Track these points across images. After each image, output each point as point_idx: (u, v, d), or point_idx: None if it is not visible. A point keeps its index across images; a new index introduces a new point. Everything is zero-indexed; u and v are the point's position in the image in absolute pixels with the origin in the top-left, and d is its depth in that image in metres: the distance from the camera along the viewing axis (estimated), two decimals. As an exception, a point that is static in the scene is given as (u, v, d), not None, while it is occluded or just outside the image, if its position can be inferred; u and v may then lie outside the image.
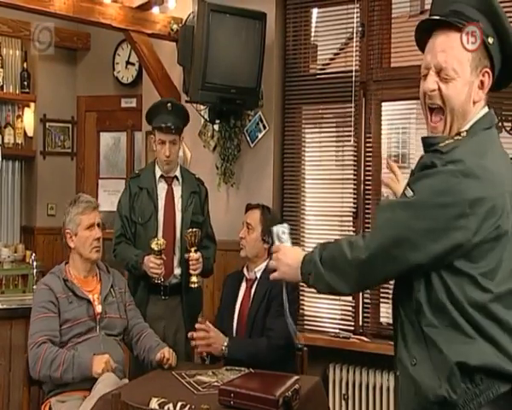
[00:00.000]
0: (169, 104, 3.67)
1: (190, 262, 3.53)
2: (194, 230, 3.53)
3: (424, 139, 1.78)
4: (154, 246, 3.44)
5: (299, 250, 1.97)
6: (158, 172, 3.71)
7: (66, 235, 3.15)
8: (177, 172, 3.74)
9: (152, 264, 3.46)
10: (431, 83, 1.75)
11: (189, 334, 3.21)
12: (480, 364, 1.63)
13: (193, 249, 3.54)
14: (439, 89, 1.74)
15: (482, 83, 1.75)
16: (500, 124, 3.76)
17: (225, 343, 3.16)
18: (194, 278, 3.55)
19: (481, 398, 1.63)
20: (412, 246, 1.65)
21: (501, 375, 1.64)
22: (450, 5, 1.78)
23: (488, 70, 1.75)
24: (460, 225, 1.61)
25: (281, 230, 2.02)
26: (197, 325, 3.21)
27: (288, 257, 1.94)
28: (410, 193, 1.68)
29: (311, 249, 1.89)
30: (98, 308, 3.08)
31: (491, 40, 1.74)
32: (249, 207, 3.56)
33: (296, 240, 4.42)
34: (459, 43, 1.75)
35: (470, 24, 1.71)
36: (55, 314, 2.98)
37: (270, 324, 3.28)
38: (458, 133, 1.72)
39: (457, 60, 1.75)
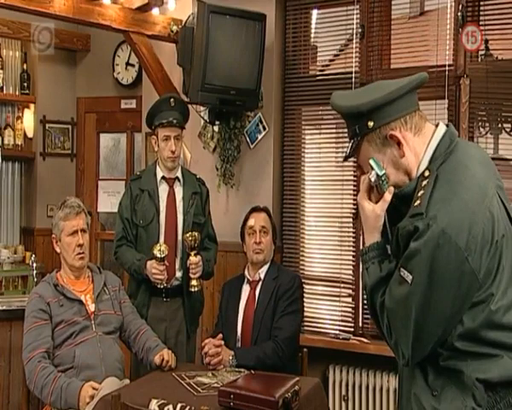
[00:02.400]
0: (172, 99, 3.67)
1: (190, 266, 3.53)
2: (193, 233, 3.52)
3: (396, 195, 1.79)
4: (156, 253, 3.44)
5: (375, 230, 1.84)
6: (159, 174, 3.70)
7: (53, 239, 3.13)
8: (179, 174, 3.74)
9: (154, 270, 3.46)
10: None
11: (203, 352, 3.17)
12: (502, 378, 1.65)
13: (192, 253, 3.53)
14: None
15: (399, 143, 1.77)
16: (500, 125, 3.76)
17: (232, 353, 3.15)
18: (193, 282, 3.55)
19: (501, 404, 1.65)
20: (441, 324, 1.65)
21: None
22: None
23: (392, 132, 1.77)
24: (465, 271, 1.62)
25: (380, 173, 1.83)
26: (212, 341, 3.16)
27: (369, 224, 1.84)
28: (408, 276, 1.66)
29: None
30: (91, 307, 3.06)
31: (370, 124, 1.78)
32: (255, 210, 3.56)
33: (296, 240, 4.42)
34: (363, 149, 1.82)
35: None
36: (47, 321, 2.96)
37: (278, 323, 3.29)
38: (422, 174, 1.74)
39: (365, 159, 1.83)
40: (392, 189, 1.80)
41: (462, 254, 1.61)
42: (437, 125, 1.82)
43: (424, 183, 1.71)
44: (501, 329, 1.66)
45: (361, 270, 1.87)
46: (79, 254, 3.07)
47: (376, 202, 1.82)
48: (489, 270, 1.65)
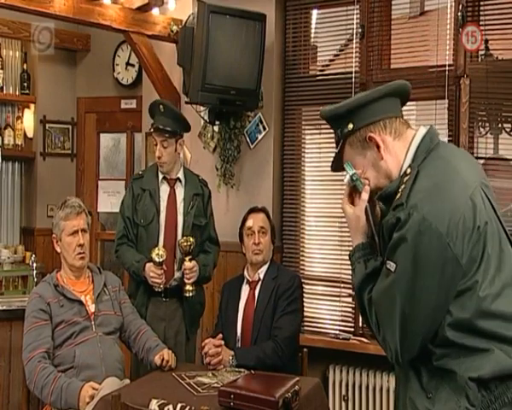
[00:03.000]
0: (161, 106, 3.68)
1: (184, 271, 3.53)
2: (188, 238, 3.53)
3: (380, 196, 1.84)
4: (154, 257, 3.44)
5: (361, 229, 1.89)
6: (160, 174, 3.71)
7: (53, 239, 3.13)
8: (180, 174, 3.74)
9: (152, 273, 3.47)
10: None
11: (203, 351, 3.17)
12: (494, 373, 1.64)
13: (187, 258, 3.53)
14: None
15: (378, 146, 1.82)
16: (500, 125, 3.76)
17: (232, 353, 3.15)
18: (188, 287, 3.55)
19: (496, 404, 1.65)
20: (428, 315, 1.67)
21: None
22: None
23: (371, 134, 1.82)
24: (448, 257, 1.64)
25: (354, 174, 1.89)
26: (212, 341, 3.16)
27: (354, 226, 1.89)
28: (392, 266, 1.69)
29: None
30: (91, 308, 3.06)
31: (350, 126, 1.85)
32: (253, 211, 3.56)
33: (296, 240, 4.42)
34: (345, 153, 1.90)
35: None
36: (47, 322, 2.95)
37: (277, 322, 3.30)
38: (404, 172, 1.78)
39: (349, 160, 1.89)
40: (367, 188, 1.86)
41: (443, 240, 1.63)
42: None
43: (405, 179, 1.75)
44: (491, 317, 1.66)
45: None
46: (80, 254, 3.07)
47: None
48: (473, 257, 1.66)
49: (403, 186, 1.73)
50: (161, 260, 3.45)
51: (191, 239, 3.53)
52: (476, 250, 1.66)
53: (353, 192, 1.90)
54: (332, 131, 1.94)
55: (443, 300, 1.65)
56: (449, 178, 1.72)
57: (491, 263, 1.69)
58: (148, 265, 3.50)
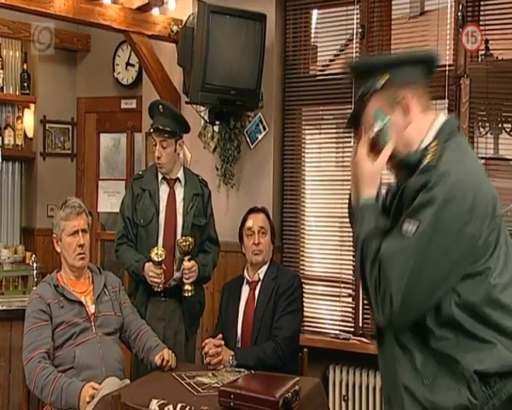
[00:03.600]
0: (160, 106, 3.68)
1: (183, 271, 3.53)
2: (187, 238, 3.53)
3: (402, 161, 1.79)
4: (153, 256, 3.44)
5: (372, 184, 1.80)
6: (160, 174, 3.71)
7: (53, 239, 3.13)
8: (180, 174, 3.74)
9: (152, 273, 3.47)
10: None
11: (203, 352, 3.17)
12: (498, 369, 1.65)
13: (186, 258, 3.53)
14: None
15: (406, 111, 1.78)
16: (500, 125, 3.76)
17: (232, 353, 3.15)
18: (187, 287, 3.55)
19: (495, 399, 1.66)
20: (434, 283, 1.66)
21: None
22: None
23: (405, 97, 1.78)
24: (466, 233, 1.64)
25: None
26: (212, 341, 3.16)
27: (362, 176, 1.79)
28: (412, 227, 1.65)
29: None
30: (91, 309, 3.06)
31: (385, 79, 1.77)
32: (253, 211, 3.56)
33: (296, 240, 4.42)
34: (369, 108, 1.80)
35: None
36: (47, 322, 2.95)
37: (277, 322, 3.29)
38: (428, 145, 1.75)
39: (369, 118, 1.81)
40: (390, 145, 1.77)
41: (466, 215, 1.63)
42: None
43: (432, 150, 1.72)
44: (497, 307, 1.68)
45: (352, 224, 1.82)
46: (80, 254, 3.06)
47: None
48: (488, 243, 1.67)
49: (430, 155, 1.71)
50: (160, 259, 3.45)
51: (190, 239, 3.53)
52: (492, 237, 1.68)
53: (370, 149, 1.79)
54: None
55: (450, 272, 1.65)
56: (476, 162, 1.76)
57: (502, 255, 1.70)
58: (147, 264, 3.50)
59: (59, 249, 3.11)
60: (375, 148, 1.78)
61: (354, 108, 1.83)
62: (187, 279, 3.54)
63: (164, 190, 3.70)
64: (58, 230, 3.09)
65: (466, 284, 1.66)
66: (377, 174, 1.79)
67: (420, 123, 1.79)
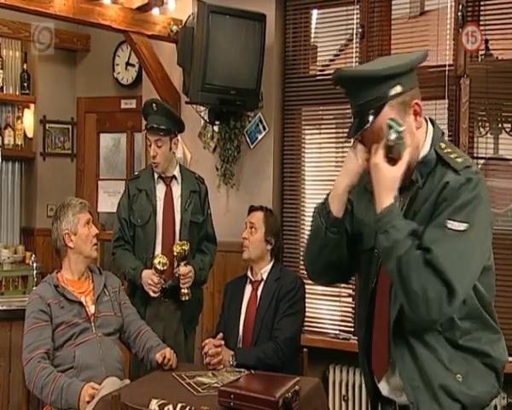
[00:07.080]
0: (153, 104, 3.68)
1: (179, 277, 3.54)
2: (182, 242, 3.53)
3: (445, 161, 1.81)
4: (157, 265, 3.45)
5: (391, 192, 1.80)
6: (156, 174, 3.71)
7: (65, 236, 3.12)
8: (176, 172, 3.74)
9: (150, 281, 3.48)
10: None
11: (203, 352, 3.17)
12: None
13: (182, 263, 3.53)
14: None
15: (417, 114, 1.82)
16: (500, 125, 3.76)
17: (232, 353, 3.15)
18: (184, 291, 3.56)
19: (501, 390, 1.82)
20: (479, 269, 1.78)
21: None
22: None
23: (417, 101, 1.81)
24: (490, 228, 1.80)
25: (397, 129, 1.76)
26: (212, 341, 3.16)
27: (384, 185, 1.79)
28: (461, 225, 1.69)
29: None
30: (91, 309, 3.06)
31: (399, 88, 1.77)
32: (252, 209, 3.56)
33: (296, 240, 4.42)
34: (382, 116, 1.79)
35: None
36: (47, 322, 2.95)
37: (278, 324, 3.29)
38: (438, 147, 1.83)
39: (380, 126, 1.80)
40: (409, 150, 1.78)
41: (491, 210, 1.83)
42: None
43: (446, 150, 1.81)
44: (492, 304, 1.84)
45: (378, 235, 1.78)
46: (95, 244, 3.14)
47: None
48: (490, 246, 1.81)
49: (454, 155, 1.79)
50: (164, 268, 3.45)
51: (186, 245, 3.53)
52: (491, 243, 1.81)
53: (388, 153, 1.78)
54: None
55: (481, 264, 1.76)
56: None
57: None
58: (145, 272, 3.51)
59: (72, 245, 3.10)
60: (390, 155, 1.78)
61: (363, 119, 1.79)
62: (183, 284, 3.54)
63: (160, 189, 3.70)
64: (72, 224, 3.09)
65: (482, 275, 1.76)
66: (397, 179, 1.78)
67: (422, 124, 1.85)
